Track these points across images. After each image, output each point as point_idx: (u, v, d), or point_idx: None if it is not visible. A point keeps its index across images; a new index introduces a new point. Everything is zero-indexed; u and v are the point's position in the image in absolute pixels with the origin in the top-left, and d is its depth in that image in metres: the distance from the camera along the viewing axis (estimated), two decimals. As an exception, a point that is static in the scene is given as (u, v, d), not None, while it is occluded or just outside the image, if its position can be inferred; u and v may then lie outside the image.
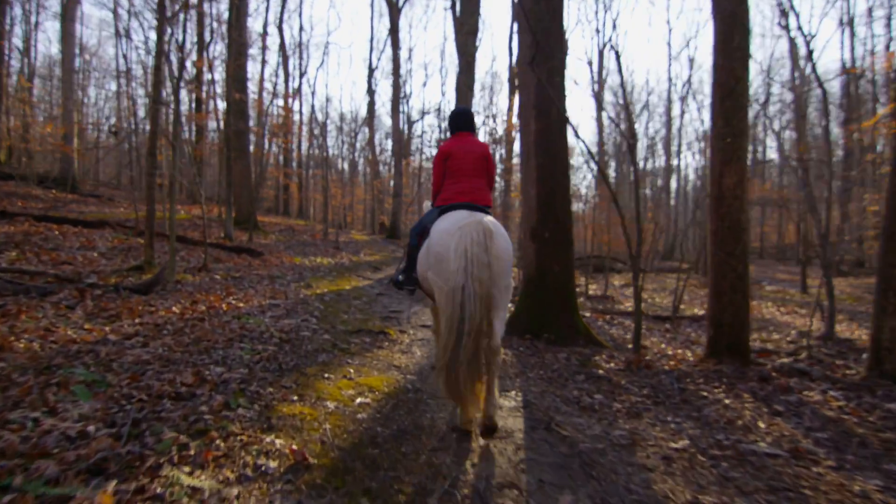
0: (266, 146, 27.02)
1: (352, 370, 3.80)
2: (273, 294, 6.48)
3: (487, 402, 2.50)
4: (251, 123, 19.89)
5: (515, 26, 29.09)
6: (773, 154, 33.80)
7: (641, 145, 35.67)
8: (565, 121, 5.39)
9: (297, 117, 28.85)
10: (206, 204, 16.95)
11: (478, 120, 3.80)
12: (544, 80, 4.90)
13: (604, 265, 19.92)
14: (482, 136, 24.50)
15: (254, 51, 25.96)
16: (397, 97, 23.26)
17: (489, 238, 2.37)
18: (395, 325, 5.83)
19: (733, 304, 4.37)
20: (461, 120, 3.24)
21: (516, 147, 29.24)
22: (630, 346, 5.88)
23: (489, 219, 2.60)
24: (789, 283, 17.26)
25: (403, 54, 30.44)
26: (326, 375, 3.54)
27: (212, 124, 21.51)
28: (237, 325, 4.49)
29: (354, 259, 12.86)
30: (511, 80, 22.93)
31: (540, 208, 5.31)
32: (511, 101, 22.83)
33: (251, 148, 19.52)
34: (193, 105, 18.44)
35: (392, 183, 32.52)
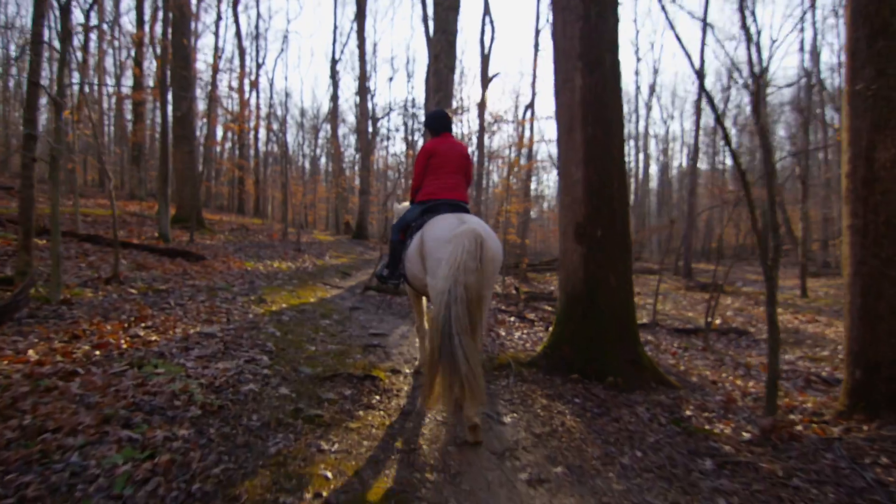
0: (218, 134, 24.50)
1: (329, 472, 2.10)
2: (209, 316, 4.62)
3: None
4: (201, 108, 17.54)
5: (488, 18, 27.68)
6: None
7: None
8: (620, 76, 3.85)
9: (254, 110, 26.33)
10: (145, 199, 14.52)
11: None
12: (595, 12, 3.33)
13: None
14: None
15: (208, 39, 23.35)
16: (364, 86, 21.32)
17: (480, 246, 2.46)
18: (382, 359, 4.11)
19: (895, 335, 2.94)
20: (443, 121, 3.33)
21: (487, 142, 27.81)
22: (695, 378, 4.42)
23: (480, 225, 2.65)
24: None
25: (368, 48, 28.37)
26: (283, 501, 1.82)
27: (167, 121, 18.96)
28: (132, 382, 2.67)
29: (319, 263, 10.97)
30: (483, 75, 21.49)
31: (589, 197, 3.74)
32: (484, 95, 21.38)
33: (201, 140, 17.20)
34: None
35: (357, 180, 30.55)
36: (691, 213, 18.40)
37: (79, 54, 12.94)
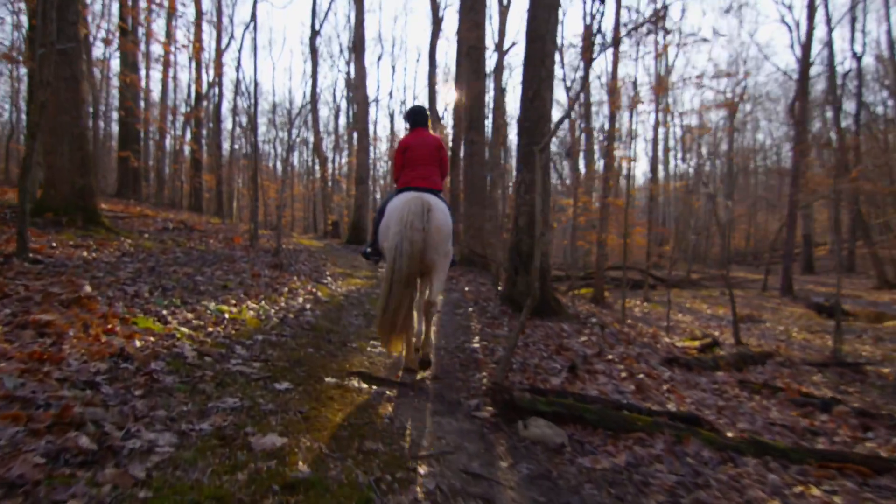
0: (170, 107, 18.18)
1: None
2: None
3: (426, 343, 3.04)
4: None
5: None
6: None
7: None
8: None
9: (218, 103, 20.14)
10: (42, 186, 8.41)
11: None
12: None
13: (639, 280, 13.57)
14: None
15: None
16: (360, 48, 15.79)
17: (427, 210, 2.71)
18: None
19: None
20: (418, 117, 3.44)
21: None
22: None
23: (432, 198, 2.89)
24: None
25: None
26: None
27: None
28: None
29: (323, 294, 5.39)
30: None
31: None
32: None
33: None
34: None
35: (347, 169, 24.79)
36: (792, 211, 13.80)
37: None
